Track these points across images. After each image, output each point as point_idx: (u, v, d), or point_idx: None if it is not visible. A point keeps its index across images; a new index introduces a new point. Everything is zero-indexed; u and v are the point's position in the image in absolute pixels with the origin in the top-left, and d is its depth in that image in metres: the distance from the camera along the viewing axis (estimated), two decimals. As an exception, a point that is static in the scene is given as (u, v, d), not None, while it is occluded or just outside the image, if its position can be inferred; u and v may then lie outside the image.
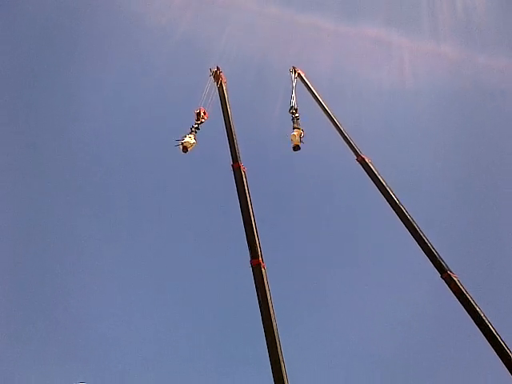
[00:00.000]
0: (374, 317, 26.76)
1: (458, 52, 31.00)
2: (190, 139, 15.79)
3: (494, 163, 29.66)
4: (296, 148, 17.69)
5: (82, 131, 31.29)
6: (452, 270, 12.79)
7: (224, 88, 16.93)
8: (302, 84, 20.76)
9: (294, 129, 18.12)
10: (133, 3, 33.05)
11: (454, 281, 12.45)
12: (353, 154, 16.81)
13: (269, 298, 11.14)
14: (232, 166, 14.24)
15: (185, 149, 15.62)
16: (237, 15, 32.19)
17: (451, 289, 12.45)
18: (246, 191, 13.58)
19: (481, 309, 11.86)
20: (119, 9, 32.44)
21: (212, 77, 17.43)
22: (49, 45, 32.15)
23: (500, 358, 11.05)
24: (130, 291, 28.43)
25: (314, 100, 19.83)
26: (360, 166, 16.37)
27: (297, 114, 18.70)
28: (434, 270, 13.06)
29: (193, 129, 16.28)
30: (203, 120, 16.61)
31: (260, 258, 11.89)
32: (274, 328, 10.65)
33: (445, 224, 27.63)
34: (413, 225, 14.08)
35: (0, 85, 29.94)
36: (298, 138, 17.70)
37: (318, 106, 19.38)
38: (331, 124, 18.36)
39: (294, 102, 19.39)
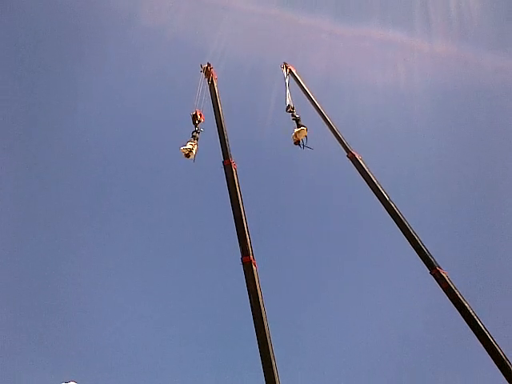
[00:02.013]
0: (366, 314, 26.93)
1: (454, 52, 31.07)
2: (187, 146, 15.70)
3: (489, 161, 29.84)
4: (297, 143, 17.84)
5: (77, 131, 31.17)
6: (442, 266, 12.89)
7: (215, 84, 16.93)
8: (294, 80, 20.77)
9: (299, 126, 18.20)
10: (126, 3, 32.84)
11: (443, 277, 12.55)
12: (343, 150, 16.88)
13: (260, 295, 11.13)
14: (223, 162, 14.21)
15: (188, 156, 15.57)
16: (232, 15, 32.07)
17: (440, 285, 12.55)
18: (237, 187, 13.56)
19: (469, 305, 11.98)
20: (113, 8, 32.21)
21: (203, 73, 17.40)
22: (43, 45, 31.94)
23: (489, 353, 11.17)
24: (126, 291, 28.41)
25: (304, 95, 19.86)
26: (351, 162, 16.45)
27: (297, 115, 18.72)
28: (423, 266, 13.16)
29: (194, 133, 16.18)
30: (199, 122, 16.52)
31: (251, 256, 11.87)
32: (265, 325, 10.62)
33: (437, 222, 27.83)
34: (402, 221, 14.14)
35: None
36: (302, 135, 17.81)
37: (309, 102, 19.38)
38: (322, 120, 18.39)
39: (289, 100, 19.41)
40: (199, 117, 16.45)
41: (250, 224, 12.79)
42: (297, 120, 18.43)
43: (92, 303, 27.03)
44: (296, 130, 17.92)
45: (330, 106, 19.25)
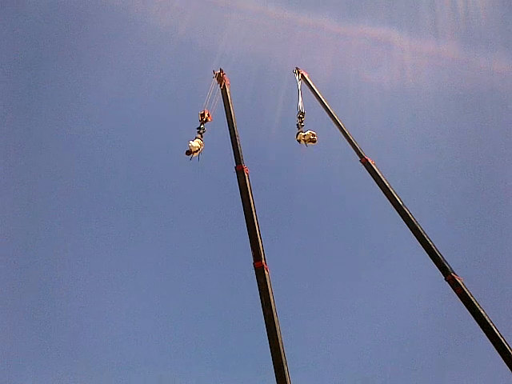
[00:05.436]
0: (378, 319, 26.77)
1: (459, 52, 30.94)
2: (194, 143, 15.70)
3: (495, 164, 29.54)
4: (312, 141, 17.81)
5: (83, 132, 31.47)
6: (456, 272, 12.75)
7: (227, 90, 17.03)
8: (306, 85, 20.75)
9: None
10: (133, 4, 33.15)
11: (458, 283, 12.40)
12: (356, 155, 16.81)
13: (272, 300, 11.08)
14: (235, 168, 14.22)
15: (188, 153, 15.57)
16: (238, 16, 32.27)
17: (455, 291, 12.40)
18: (249, 193, 13.55)
19: (485, 311, 11.82)
20: (120, 9, 32.56)
21: (215, 79, 17.51)
22: (50, 45, 32.34)
23: (505, 361, 10.97)
24: (132, 292, 28.57)
25: (317, 101, 19.82)
26: (363, 167, 16.38)
27: (303, 122, 18.68)
28: (438, 272, 13.04)
29: (200, 131, 16.27)
30: (206, 121, 16.60)
31: (263, 261, 11.85)
32: (278, 330, 10.58)
33: (448, 225, 27.58)
34: (416, 226, 14.03)
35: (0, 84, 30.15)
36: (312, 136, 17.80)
37: (322, 108, 19.35)
38: (335, 126, 18.33)
39: (301, 106, 19.40)
40: (207, 116, 16.53)
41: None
42: (299, 126, 18.45)
43: (97, 305, 27.27)
44: (307, 133, 17.93)
45: (335, 105, 19.24)
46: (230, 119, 15.89)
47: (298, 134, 18.18)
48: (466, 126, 30.58)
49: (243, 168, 14.08)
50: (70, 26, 32.41)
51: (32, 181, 29.76)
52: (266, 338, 10.59)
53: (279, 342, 10.43)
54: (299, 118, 18.78)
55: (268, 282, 11.44)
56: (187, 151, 15.47)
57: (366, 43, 32.77)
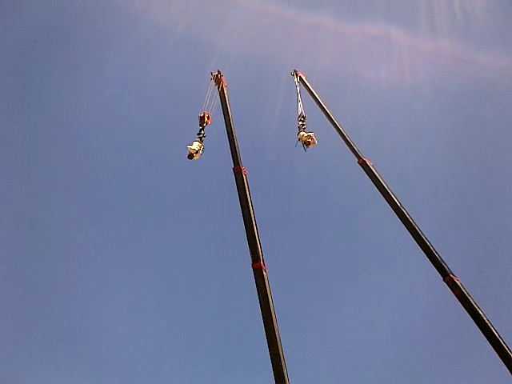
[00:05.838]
0: (377, 319, 26.76)
1: (458, 51, 31.02)
2: (193, 145, 15.71)
3: (494, 163, 29.53)
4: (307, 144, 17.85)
5: (81, 132, 31.44)
6: (455, 273, 12.76)
7: (225, 92, 17.05)
8: (304, 87, 20.78)
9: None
10: (133, 3, 33.16)
11: (457, 284, 12.41)
12: (354, 157, 16.82)
13: (270, 301, 11.06)
14: (233, 169, 14.22)
15: (190, 156, 15.57)
16: (236, 14, 32.31)
17: (454, 292, 12.40)
18: (247, 194, 13.54)
19: (483, 312, 11.83)
20: (119, 8, 32.58)
21: (213, 80, 17.53)
22: (49, 44, 32.37)
23: (503, 362, 10.97)
24: (132, 293, 28.57)
25: (315, 102, 19.83)
26: (361, 168, 16.39)
27: (305, 124, 18.71)
28: (436, 273, 13.05)
29: (200, 135, 16.24)
30: (206, 125, 16.59)
31: (261, 262, 11.84)
32: (276, 331, 10.57)
33: (446, 226, 27.58)
34: (414, 228, 14.01)
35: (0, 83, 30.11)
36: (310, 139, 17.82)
37: (319, 109, 19.36)
38: (333, 127, 18.35)
39: (301, 109, 19.42)
40: (207, 119, 16.52)
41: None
42: (301, 129, 18.46)
43: (99, 308, 27.26)
44: (308, 134, 17.97)
45: (333, 104, 19.25)
46: (227, 121, 15.88)
47: (299, 133, 18.28)
48: (464, 124, 30.62)
49: (241, 169, 14.08)
50: (70, 23, 32.46)
51: (32, 180, 29.77)
52: (265, 337, 10.59)
53: (277, 341, 10.39)
54: (300, 121, 18.82)
55: (266, 282, 11.43)
56: (189, 155, 15.54)
57: (364, 41, 32.87)
